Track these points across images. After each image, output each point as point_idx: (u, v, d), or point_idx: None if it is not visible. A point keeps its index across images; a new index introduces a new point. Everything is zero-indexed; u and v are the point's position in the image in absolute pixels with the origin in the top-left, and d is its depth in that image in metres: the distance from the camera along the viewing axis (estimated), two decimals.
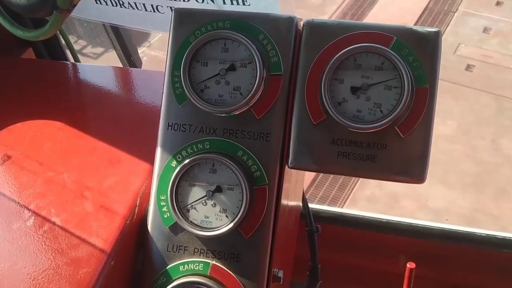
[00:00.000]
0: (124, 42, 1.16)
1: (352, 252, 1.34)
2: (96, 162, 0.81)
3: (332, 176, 3.88)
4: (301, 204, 1.08)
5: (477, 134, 4.70)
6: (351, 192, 3.85)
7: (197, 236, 0.71)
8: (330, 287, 1.33)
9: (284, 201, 0.75)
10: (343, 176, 3.99)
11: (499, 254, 1.23)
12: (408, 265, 1.17)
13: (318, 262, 1.04)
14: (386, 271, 1.32)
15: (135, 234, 0.74)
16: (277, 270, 0.75)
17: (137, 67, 1.24)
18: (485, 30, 5.65)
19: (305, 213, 1.05)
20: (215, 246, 0.72)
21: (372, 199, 3.87)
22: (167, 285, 0.71)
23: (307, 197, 1.10)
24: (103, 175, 0.79)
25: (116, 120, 0.89)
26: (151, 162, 0.76)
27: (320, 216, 1.27)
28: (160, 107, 0.74)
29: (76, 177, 0.78)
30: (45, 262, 0.67)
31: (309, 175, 3.68)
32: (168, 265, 0.72)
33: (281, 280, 0.75)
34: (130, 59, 1.19)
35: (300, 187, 1.02)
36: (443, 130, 4.65)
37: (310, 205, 1.12)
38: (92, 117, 0.90)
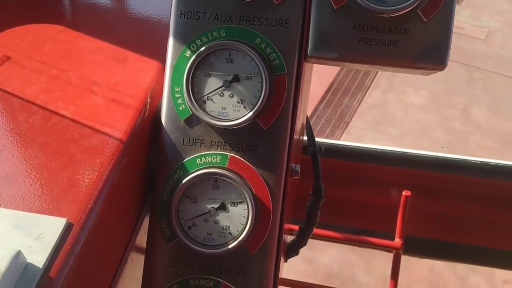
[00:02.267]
0: None
1: (345, 185, 1.34)
2: (102, 60, 0.77)
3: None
4: (303, 136, 1.06)
5: (449, 104, 4.78)
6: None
7: (215, 127, 0.69)
8: (324, 222, 1.33)
9: (302, 94, 0.73)
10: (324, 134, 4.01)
11: (492, 182, 1.25)
12: (403, 193, 1.17)
13: (321, 181, 1.03)
14: (381, 203, 1.33)
15: (148, 129, 0.71)
16: (294, 165, 0.73)
17: None
18: (457, 1, 5.71)
19: (307, 133, 1.04)
20: (233, 138, 0.69)
21: None
22: (184, 178, 0.69)
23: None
24: (110, 72, 0.75)
25: (121, 21, 0.85)
26: (161, 60, 0.73)
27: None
28: None
29: (81, 74, 0.75)
30: (56, 151, 0.64)
31: None
32: (184, 159, 0.70)
33: (298, 174, 0.73)
34: None
35: (304, 112, 1.01)
36: (415, 99, 4.71)
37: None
38: (94, 19, 0.86)
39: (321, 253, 3.06)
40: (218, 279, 0.69)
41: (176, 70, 0.70)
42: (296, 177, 0.73)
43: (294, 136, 0.71)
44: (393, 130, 4.28)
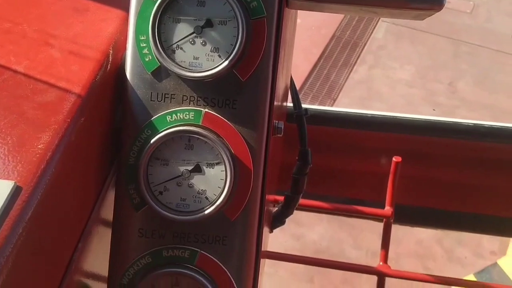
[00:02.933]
0: None
1: (333, 153, 1.27)
2: (61, 12, 0.69)
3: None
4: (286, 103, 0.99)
5: (435, 78, 4.75)
6: None
7: (186, 80, 0.62)
8: (311, 193, 1.27)
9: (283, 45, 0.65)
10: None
11: (486, 145, 1.20)
12: (394, 159, 1.11)
13: (307, 146, 0.96)
14: (370, 171, 1.27)
15: (111, 84, 0.64)
16: (276, 122, 0.66)
17: None
18: None
19: (292, 95, 0.97)
20: (207, 92, 0.62)
21: None
22: (153, 138, 0.61)
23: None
24: (69, 23, 0.67)
25: None
26: (126, 9, 0.65)
27: None
28: None
29: (38, 26, 0.66)
30: (6, 108, 0.56)
31: None
32: (152, 116, 0.62)
33: (282, 132, 0.66)
34: None
35: (288, 67, 0.93)
36: (401, 74, 4.67)
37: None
38: None
39: (309, 229, 3.02)
40: (195, 249, 0.62)
41: (141, 16, 0.62)
42: (280, 135, 0.66)
43: (276, 93, 0.64)
44: (379, 106, 4.24)
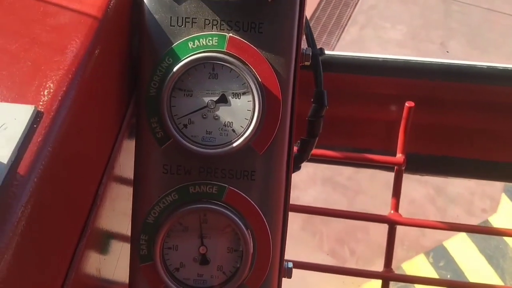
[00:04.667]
0: None
1: (343, 101, 1.23)
2: None
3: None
4: None
5: (426, 38, 4.72)
6: None
7: (208, 2, 0.57)
8: (324, 144, 1.24)
9: None
10: None
11: (500, 89, 1.17)
12: (406, 104, 1.08)
13: (323, 87, 0.92)
14: (382, 119, 1.23)
15: (127, 8, 0.59)
16: (304, 48, 0.62)
17: None
18: None
19: (306, 33, 0.92)
20: (232, 15, 0.57)
21: None
22: (175, 66, 0.57)
23: None
24: None
25: None
26: None
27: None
28: None
29: None
30: (16, 31, 0.51)
31: None
32: (173, 43, 0.58)
33: (310, 59, 0.62)
34: None
35: None
36: (393, 34, 4.63)
37: None
38: None
39: (303, 192, 3.02)
40: (222, 184, 0.58)
41: None
42: (307, 63, 0.62)
43: None
44: None
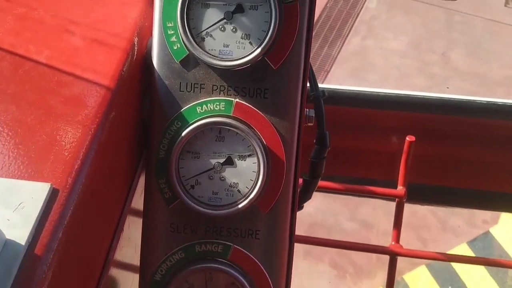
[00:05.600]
0: None
1: (346, 133, 1.25)
2: None
3: None
4: None
5: (428, 48, 4.73)
6: None
7: (216, 68, 0.59)
8: (327, 174, 1.26)
9: None
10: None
11: (498, 122, 1.19)
12: (407, 138, 1.10)
13: (326, 128, 0.94)
14: (382, 150, 1.25)
15: (138, 74, 0.61)
16: (307, 110, 0.64)
17: None
18: None
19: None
20: (238, 81, 0.60)
21: None
22: (183, 130, 0.59)
23: None
24: (88, 8, 0.64)
25: None
26: None
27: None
28: None
29: (54, 11, 0.63)
30: (31, 102, 0.54)
31: None
32: (182, 108, 0.60)
33: (312, 121, 0.64)
34: None
35: None
36: (395, 45, 4.64)
37: None
38: None
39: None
40: (228, 243, 0.60)
41: (167, 2, 0.59)
42: (311, 124, 0.64)
43: None
44: (373, 77, 4.22)
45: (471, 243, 2.56)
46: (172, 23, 0.59)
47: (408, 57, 4.51)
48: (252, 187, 0.59)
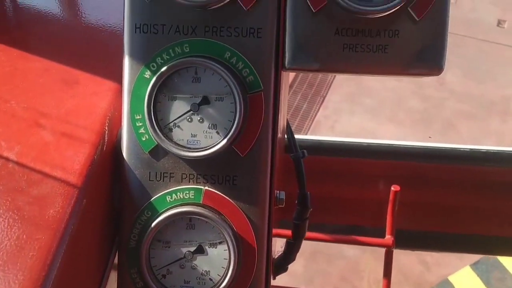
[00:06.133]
0: None
1: (332, 182, 1.26)
2: (49, 84, 0.67)
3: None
4: (285, 135, 0.98)
5: None
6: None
7: (184, 159, 0.60)
8: (313, 221, 1.26)
9: (281, 114, 0.64)
10: (296, 122, 3.95)
11: (482, 169, 1.19)
12: (392, 188, 1.10)
13: (306, 189, 0.95)
14: (368, 199, 1.26)
15: (108, 165, 0.62)
16: (278, 192, 0.65)
17: None
18: None
19: (289, 137, 0.95)
20: (207, 169, 0.60)
21: None
22: (154, 220, 0.60)
23: None
24: (59, 98, 0.65)
25: (68, 35, 0.75)
26: (118, 80, 0.63)
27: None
28: (123, 6, 0.61)
29: (27, 103, 0.64)
30: (1, 204, 0.54)
31: None
32: (152, 197, 0.61)
33: (283, 203, 0.65)
34: None
35: (284, 114, 0.92)
36: None
37: None
38: (38, 35, 0.75)
39: None
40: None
41: (135, 95, 0.60)
42: (281, 206, 0.65)
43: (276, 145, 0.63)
44: (369, 101, 4.24)
45: (475, 265, 2.54)
46: (140, 115, 0.60)
47: (403, 80, 4.54)
48: (224, 274, 0.60)
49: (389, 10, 0.56)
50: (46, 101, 0.65)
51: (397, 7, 0.56)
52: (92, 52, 0.72)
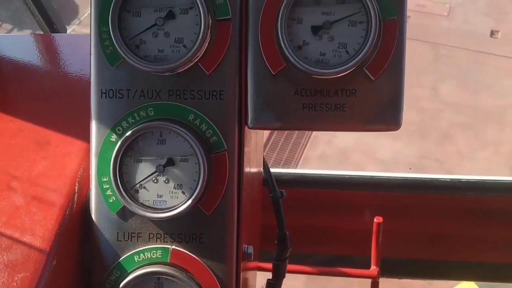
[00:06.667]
0: (42, 5, 1.01)
1: (317, 213, 1.27)
2: (21, 145, 0.69)
3: (284, 137, 3.85)
4: (262, 170, 0.99)
5: (417, 83, 4.77)
6: (302, 153, 3.83)
7: (151, 219, 0.61)
8: (298, 252, 1.27)
9: (246, 168, 0.66)
10: (294, 137, 3.96)
11: (462, 198, 1.21)
12: (375, 220, 1.12)
13: (285, 229, 0.96)
14: (353, 229, 1.27)
15: (77, 226, 0.63)
16: (246, 246, 0.66)
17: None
18: None
19: (267, 178, 0.97)
20: (173, 229, 0.62)
21: (322, 157, 3.86)
22: (122, 280, 0.61)
23: None
24: (31, 160, 0.66)
25: (41, 95, 0.77)
26: (88, 140, 0.65)
27: (281, 180, 1.19)
28: (90, 72, 0.62)
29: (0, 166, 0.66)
30: None
31: None
32: (120, 257, 0.62)
33: (251, 257, 0.66)
34: (52, 25, 1.05)
35: (260, 151, 0.94)
36: None
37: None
38: (12, 94, 0.77)
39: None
40: None
41: (102, 158, 0.62)
42: (250, 260, 0.66)
43: (245, 171, 0.64)
44: None
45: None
46: (107, 177, 0.62)
47: None
48: None
49: (344, 72, 0.58)
50: (18, 164, 0.66)
51: (353, 68, 0.58)
52: (66, 112, 0.73)
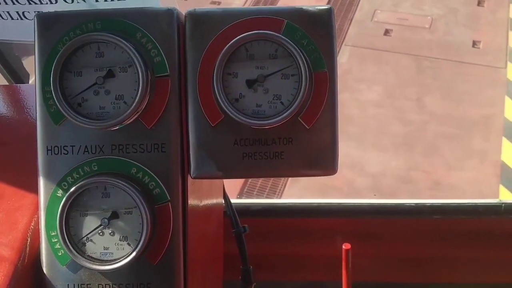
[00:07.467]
0: (4, 55, 1.03)
1: (286, 242, 1.29)
2: None
3: None
4: (222, 201, 1.01)
5: (402, 96, 4.81)
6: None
7: (99, 271, 0.63)
8: (271, 281, 1.29)
9: (191, 219, 0.67)
10: None
11: (429, 221, 1.23)
12: (343, 246, 1.13)
13: (249, 264, 0.98)
14: (324, 255, 1.29)
15: (29, 279, 0.65)
16: None
17: (24, 82, 1.12)
18: None
19: (229, 212, 0.99)
20: (122, 279, 0.64)
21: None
22: None
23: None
24: None
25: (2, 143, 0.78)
26: None
27: (249, 211, 1.21)
28: (36, 130, 0.65)
29: None
30: None
31: None
32: None
33: None
34: (16, 73, 1.07)
35: (218, 184, 0.96)
36: (369, 95, 4.72)
37: (235, 201, 1.05)
38: None
39: None
40: None
41: (49, 212, 0.64)
42: None
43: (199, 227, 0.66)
44: (352, 129, 4.28)
45: None
46: (55, 232, 0.64)
47: (383, 106, 4.59)
48: None
49: (280, 122, 0.61)
50: None
51: (288, 118, 0.61)
52: (20, 165, 0.75)
